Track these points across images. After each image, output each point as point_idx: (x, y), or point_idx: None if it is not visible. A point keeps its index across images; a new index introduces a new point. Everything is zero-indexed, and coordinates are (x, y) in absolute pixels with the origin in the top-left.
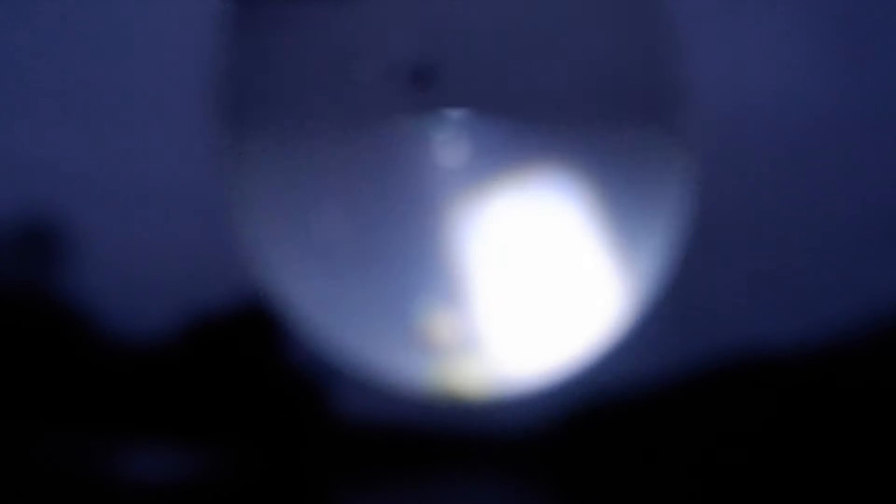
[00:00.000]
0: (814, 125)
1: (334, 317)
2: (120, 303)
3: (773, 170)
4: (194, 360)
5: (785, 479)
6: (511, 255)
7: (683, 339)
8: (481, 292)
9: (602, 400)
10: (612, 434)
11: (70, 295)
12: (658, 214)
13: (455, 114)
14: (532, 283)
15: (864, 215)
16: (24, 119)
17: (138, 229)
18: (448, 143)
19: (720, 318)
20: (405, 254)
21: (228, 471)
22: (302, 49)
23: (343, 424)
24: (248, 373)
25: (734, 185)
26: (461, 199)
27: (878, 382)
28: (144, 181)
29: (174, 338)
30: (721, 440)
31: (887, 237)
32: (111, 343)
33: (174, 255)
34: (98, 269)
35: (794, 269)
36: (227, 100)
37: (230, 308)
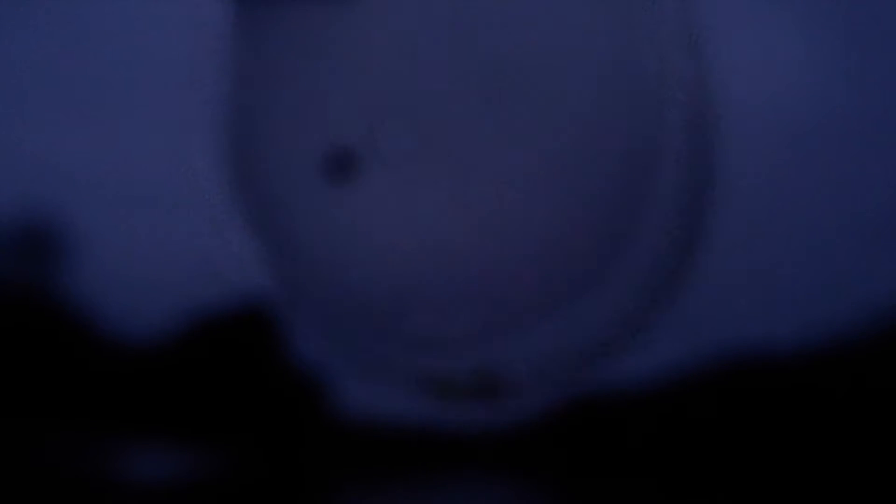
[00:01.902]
0: (814, 125)
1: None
2: (120, 303)
3: (772, 169)
4: (194, 360)
5: (783, 477)
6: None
7: (683, 339)
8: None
9: (602, 399)
10: (611, 433)
11: (70, 295)
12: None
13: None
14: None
15: (864, 215)
16: (24, 119)
17: (138, 229)
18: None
19: (720, 318)
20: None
21: (228, 471)
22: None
23: (343, 424)
24: (248, 372)
25: (731, 184)
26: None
27: (878, 382)
28: (144, 181)
29: (174, 338)
30: (720, 439)
31: (887, 237)
32: (111, 343)
33: (174, 255)
34: (98, 269)
35: (794, 269)
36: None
37: (230, 308)
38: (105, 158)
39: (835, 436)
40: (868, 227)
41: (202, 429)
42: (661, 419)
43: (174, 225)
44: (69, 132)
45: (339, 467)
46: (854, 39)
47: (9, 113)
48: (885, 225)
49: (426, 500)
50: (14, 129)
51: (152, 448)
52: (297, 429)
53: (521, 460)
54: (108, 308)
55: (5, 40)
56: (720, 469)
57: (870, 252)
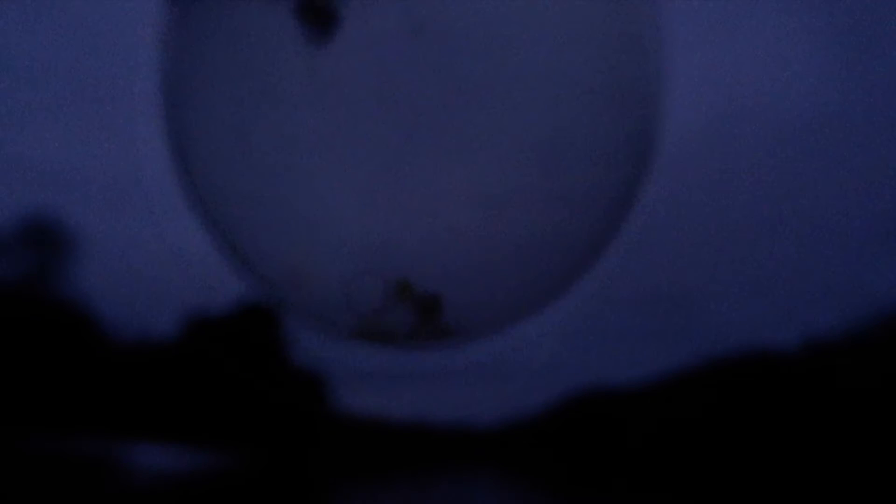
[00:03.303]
0: (814, 125)
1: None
2: (120, 303)
3: (772, 169)
4: (194, 360)
5: (783, 477)
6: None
7: (684, 339)
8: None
9: (601, 399)
10: (610, 433)
11: (70, 295)
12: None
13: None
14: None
15: (864, 215)
16: (24, 119)
17: (139, 229)
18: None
19: (720, 317)
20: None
21: (229, 470)
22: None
23: (343, 424)
24: (247, 372)
25: (734, 185)
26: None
27: (878, 382)
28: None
29: (174, 338)
30: (720, 439)
31: (887, 237)
32: (111, 343)
33: (174, 254)
34: (98, 269)
35: (795, 269)
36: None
37: (230, 308)
38: (105, 158)
39: (835, 436)
40: (868, 228)
41: (202, 429)
42: (663, 419)
43: (172, 224)
44: (69, 132)
45: (339, 467)
46: (855, 39)
47: (9, 114)
48: (885, 225)
49: (426, 500)
50: (14, 130)
51: (153, 448)
52: (297, 428)
53: (519, 460)
54: (108, 308)
55: (5, 42)
56: (720, 469)
57: (872, 252)
